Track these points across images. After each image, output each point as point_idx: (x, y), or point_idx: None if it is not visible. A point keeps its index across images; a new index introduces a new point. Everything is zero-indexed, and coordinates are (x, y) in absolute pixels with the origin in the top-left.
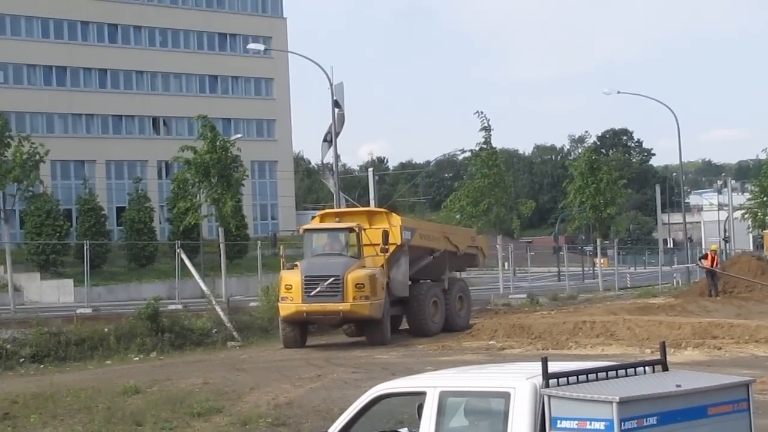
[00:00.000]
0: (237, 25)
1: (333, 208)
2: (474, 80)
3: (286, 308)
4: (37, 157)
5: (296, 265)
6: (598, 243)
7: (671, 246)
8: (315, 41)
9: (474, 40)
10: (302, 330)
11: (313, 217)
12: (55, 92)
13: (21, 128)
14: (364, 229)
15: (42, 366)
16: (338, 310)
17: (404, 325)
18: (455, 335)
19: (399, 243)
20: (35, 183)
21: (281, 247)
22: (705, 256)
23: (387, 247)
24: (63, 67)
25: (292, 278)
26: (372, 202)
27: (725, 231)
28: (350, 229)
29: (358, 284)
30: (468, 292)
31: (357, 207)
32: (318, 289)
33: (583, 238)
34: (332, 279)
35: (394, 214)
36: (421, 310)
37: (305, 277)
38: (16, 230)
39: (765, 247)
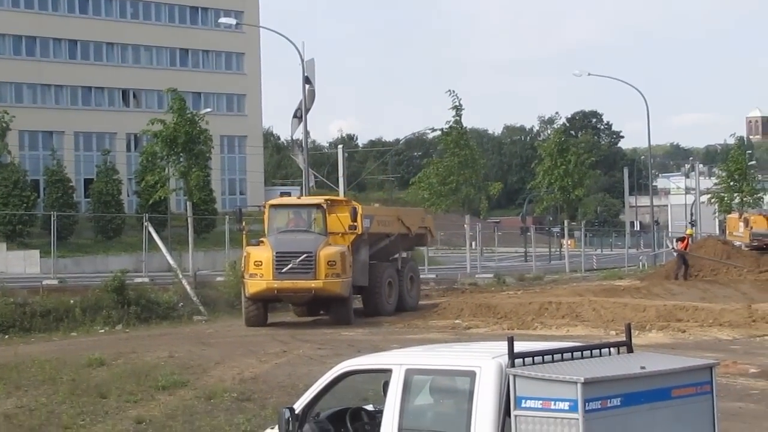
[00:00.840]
0: None
1: (302, 184)
2: (445, 60)
3: (255, 285)
4: (4, 125)
5: (262, 242)
6: (566, 224)
7: (638, 229)
8: (287, 16)
9: (446, 20)
10: (266, 308)
11: (282, 195)
12: (24, 62)
13: None
14: (329, 206)
15: (6, 336)
16: (310, 287)
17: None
18: (421, 313)
19: (360, 232)
20: (2, 153)
21: (244, 222)
22: (682, 239)
23: (355, 224)
24: (32, 36)
25: (261, 254)
26: (341, 180)
27: (692, 215)
28: (317, 206)
29: (330, 261)
30: (418, 272)
31: (332, 189)
32: (290, 265)
33: (551, 219)
34: (304, 256)
35: (354, 202)
36: (378, 290)
37: (276, 253)
38: None
39: (727, 232)
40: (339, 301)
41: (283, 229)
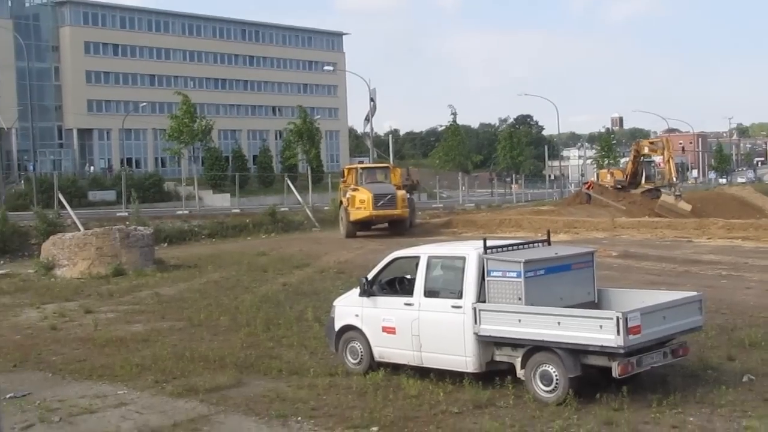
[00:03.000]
0: (319, 56)
1: (369, 159)
2: (448, 85)
3: (360, 213)
4: (209, 127)
5: (357, 189)
6: (513, 177)
7: (552, 179)
8: (361, 62)
9: (452, 62)
10: (357, 227)
11: (359, 162)
12: (221, 93)
13: (202, 112)
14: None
15: (214, 240)
16: (395, 214)
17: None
18: (435, 226)
19: (407, 183)
20: (209, 141)
21: (342, 177)
22: (587, 183)
23: (410, 178)
24: (224, 79)
25: (363, 196)
26: (391, 155)
27: (581, 171)
28: (387, 167)
29: (403, 199)
30: (415, 206)
31: (384, 158)
32: (382, 202)
33: (506, 173)
34: (390, 195)
35: (397, 167)
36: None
37: (374, 194)
38: (200, 166)
39: (599, 179)
40: (403, 221)
41: (368, 180)
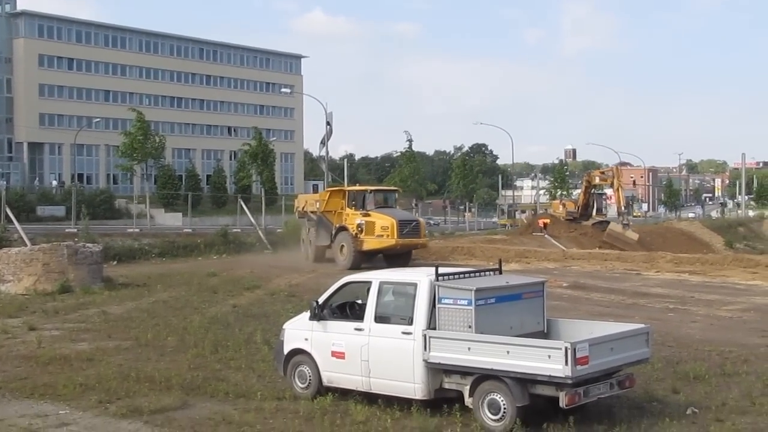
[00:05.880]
0: (277, 78)
1: (324, 183)
2: (404, 111)
3: (382, 242)
4: (162, 145)
5: (369, 215)
6: (467, 205)
7: (506, 208)
8: (319, 85)
9: (409, 88)
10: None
11: (314, 186)
12: (175, 111)
13: (157, 129)
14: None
15: (164, 259)
16: (419, 242)
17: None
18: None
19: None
20: (163, 160)
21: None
22: (543, 220)
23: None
24: (180, 97)
25: (385, 222)
26: (346, 179)
27: (535, 202)
28: (396, 191)
29: (424, 225)
30: None
31: (339, 182)
32: (407, 229)
33: (459, 201)
34: (414, 223)
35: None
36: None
37: (399, 221)
38: (152, 184)
39: (551, 210)
40: (410, 252)
41: (376, 205)
